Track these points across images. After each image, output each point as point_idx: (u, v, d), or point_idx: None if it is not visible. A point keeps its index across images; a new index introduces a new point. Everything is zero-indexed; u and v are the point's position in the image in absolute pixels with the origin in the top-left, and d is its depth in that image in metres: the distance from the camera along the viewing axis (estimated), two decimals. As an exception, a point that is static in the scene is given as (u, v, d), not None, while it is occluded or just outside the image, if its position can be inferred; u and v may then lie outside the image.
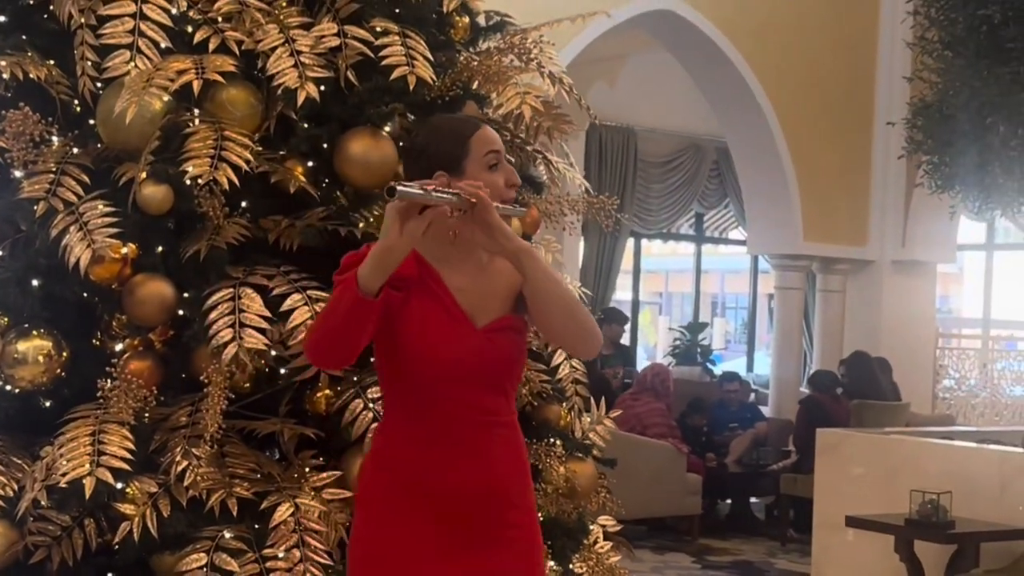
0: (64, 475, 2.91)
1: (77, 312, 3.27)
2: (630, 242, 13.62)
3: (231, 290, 3.14)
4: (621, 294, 14.03)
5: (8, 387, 3.21)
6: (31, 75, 3.33)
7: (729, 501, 9.78)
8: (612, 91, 12.94)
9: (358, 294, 2.42)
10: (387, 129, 3.42)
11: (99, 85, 3.31)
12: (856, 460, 6.47)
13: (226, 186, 3.13)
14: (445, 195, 2.40)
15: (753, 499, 9.76)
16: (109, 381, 3.07)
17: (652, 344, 18.95)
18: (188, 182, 3.16)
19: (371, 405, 3.25)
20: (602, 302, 12.57)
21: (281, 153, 3.40)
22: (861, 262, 11.31)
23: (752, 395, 11.25)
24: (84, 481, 2.89)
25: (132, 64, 3.19)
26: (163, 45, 3.32)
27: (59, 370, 3.19)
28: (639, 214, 13.38)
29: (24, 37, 3.44)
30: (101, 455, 2.94)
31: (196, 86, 3.17)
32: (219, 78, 3.21)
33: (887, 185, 11.11)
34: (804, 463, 8.32)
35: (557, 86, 3.89)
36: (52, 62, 3.43)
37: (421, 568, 2.58)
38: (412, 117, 3.58)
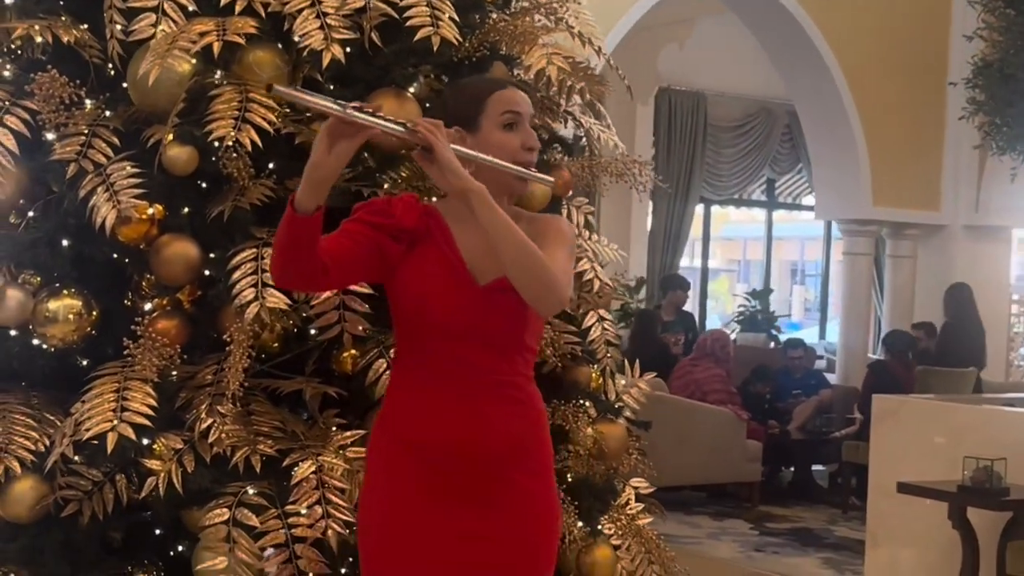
0: (88, 430, 2.97)
1: (108, 272, 3.32)
2: (700, 208, 13.52)
3: (255, 250, 3.17)
4: (698, 261, 13.96)
5: (43, 345, 3.28)
6: (63, 39, 3.38)
7: (792, 468, 9.72)
8: (682, 54, 12.84)
9: (291, 211, 2.45)
10: (412, 90, 3.43)
11: (128, 48, 3.35)
12: (913, 426, 6.39)
13: (249, 147, 3.16)
14: (358, 115, 2.38)
15: (817, 467, 9.69)
16: (134, 340, 3.12)
17: (729, 311, 18.86)
18: (214, 144, 3.20)
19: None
20: (670, 268, 12.53)
21: (307, 115, 3.42)
22: (933, 227, 11.14)
23: (819, 362, 11.16)
24: (107, 436, 2.95)
25: (158, 27, 3.22)
26: (190, 8, 3.35)
27: (89, 328, 3.25)
28: (709, 180, 13.29)
29: (60, 2, 3.49)
30: (124, 411, 2.99)
31: (216, 48, 3.20)
32: (239, 40, 3.23)
33: (960, 148, 10.90)
34: (867, 430, 8.25)
35: (587, 47, 3.86)
36: (85, 26, 3.47)
37: (412, 522, 2.61)
38: (444, 78, 3.60)
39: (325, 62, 3.31)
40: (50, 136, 3.32)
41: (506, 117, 2.63)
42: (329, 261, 2.53)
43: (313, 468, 3.12)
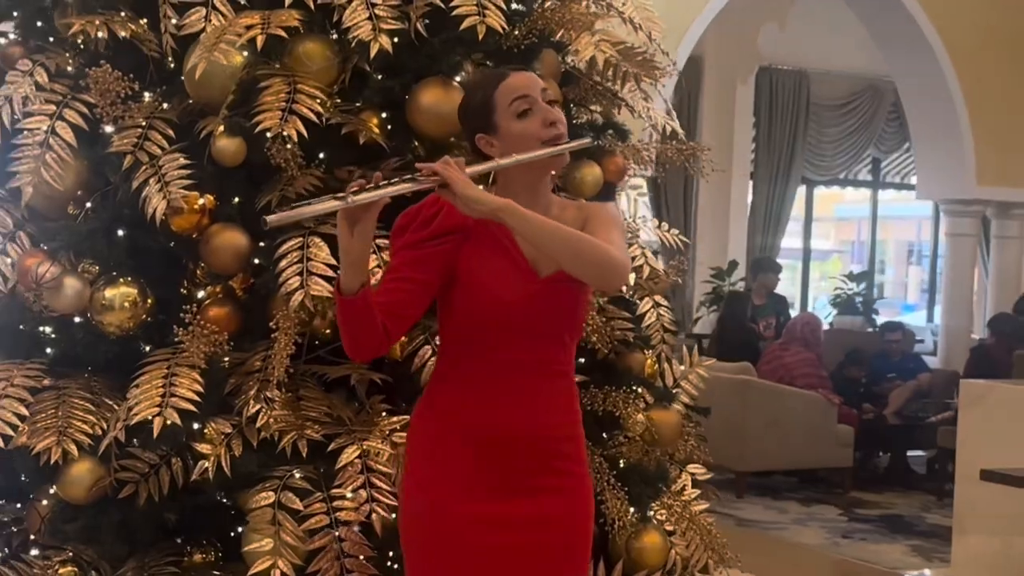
0: (136, 415, 3.06)
1: (164, 261, 3.41)
2: (802, 189, 13.33)
3: (300, 239, 3.24)
4: (816, 242, 13.74)
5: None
6: (120, 34, 3.47)
7: (887, 454, 9.56)
8: (783, 33, 12.66)
9: (339, 298, 2.51)
10: (458, 79, 3.46)
11: (183, 42, 3.43)
12: (1002, 412, 6.26)
13: (295, 138, 3.22)
14: (361, 196, 2.41)
15: (915, 452, 9.52)
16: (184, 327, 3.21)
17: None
18: (263, 134, 3.26)
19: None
20: (771, 249, 12.39)
21: (357, 105, 3.48)
22: (1040, 206, 10.87)
23: (920, 345, 10.96)
24: (154, 421, 3.04)
25: (208, 21, 3.30)
26: (241, 1, 3.43)
27: (144, 316, 3.34)
28: (811, 160, 13.09)
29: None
30: (171, 397, 3.08)
31: (260, 41, 3.26)
32: (282, 33, 3.29)
33: (1071, 123, 10.60)
34: (964, 415, 8.09)
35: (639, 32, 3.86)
36: (144, 21, 3.56)
37: (459, 510, 2.65)
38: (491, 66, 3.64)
39: (372, 52, 3.36)
40: (109, 129, 3.42)
41: (516, 105, 2.64)
42: (386, 318, 2.57)
43: (358, 453, 3.18)
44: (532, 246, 2.59)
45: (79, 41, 3.53)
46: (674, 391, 4.06)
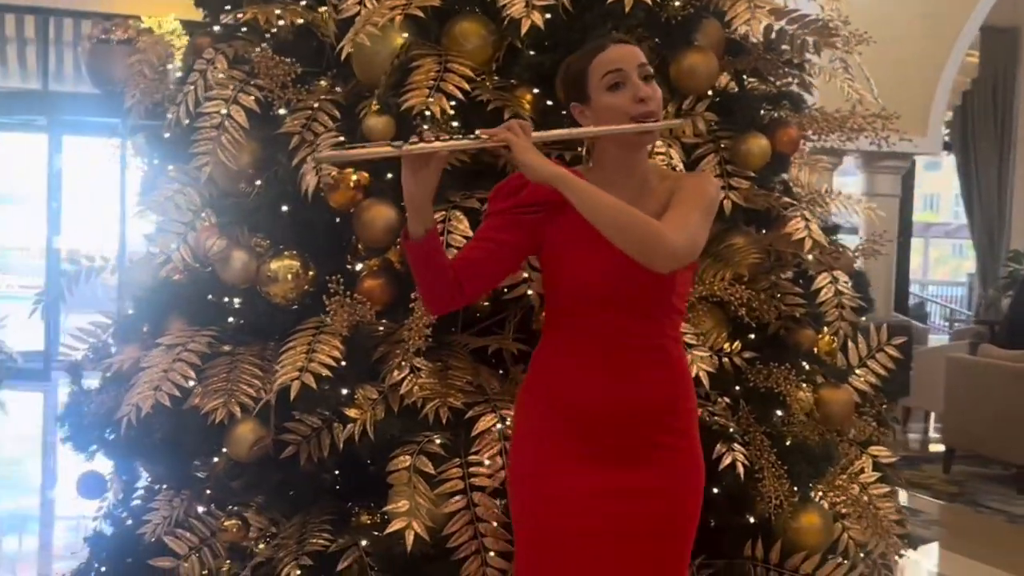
0: (278, 379, 3.25)
1: (328, 235, 3.59)
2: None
3: (444, 212, 3.34)
4: None
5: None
6: (298, 21, 3.68)
7: None
8: None
9: (405, 242, 2.61)
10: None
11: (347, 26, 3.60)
12: None
13: (438, 115, 3.33)
14: (417, 147, 2.49)
15: None
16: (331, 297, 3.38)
17: None
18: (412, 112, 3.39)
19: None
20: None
21: (512, 82, 3.55)
22: None
23: None
24: (292, 384, 3.22)
25: (361, 4, 3.45)
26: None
27: (307, 287, 3.53)
28: None
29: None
30: (311, 363, 3.25)
31: (397, 21, 3.38)
32: (419, 12, 3.39)
33: None
34: None
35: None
36: (324, 9, 3.75)
37: (562, 480, 2.69)
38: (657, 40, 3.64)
39: (524, 29, 3.42)
40: (282, 111, 3.63)
41: (608, 79, 2.65)
42: (460, 273, 2.67)
43: (495, 421, 3.26)
44: (631, 202, 2.59)
45: (264, 30, 3.76)
46: (857, 370, 3.94)
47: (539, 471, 2.75)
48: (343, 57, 3.42)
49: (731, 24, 3.59)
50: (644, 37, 3.59)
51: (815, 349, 3.83)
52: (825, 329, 3.83)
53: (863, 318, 3.96)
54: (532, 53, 3.52)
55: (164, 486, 3.84)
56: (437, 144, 2.52)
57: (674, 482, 2.73)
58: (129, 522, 3.90)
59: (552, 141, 2.71)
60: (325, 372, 3.23)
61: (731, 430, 3.48)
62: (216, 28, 3.86)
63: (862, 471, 3.82)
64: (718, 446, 3.46)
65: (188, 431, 3.45)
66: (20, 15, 11.84)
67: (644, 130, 2.64)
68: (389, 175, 3.48)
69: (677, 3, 3.58)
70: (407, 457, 3.24)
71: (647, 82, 2.67)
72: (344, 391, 3.34)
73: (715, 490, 3.48)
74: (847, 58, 4.17)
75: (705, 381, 3.42)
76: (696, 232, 2.61)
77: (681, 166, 3.45)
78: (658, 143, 3.44)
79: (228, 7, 3.85)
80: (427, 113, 3.33)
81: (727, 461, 3.43)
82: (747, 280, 3.75)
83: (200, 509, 3.66)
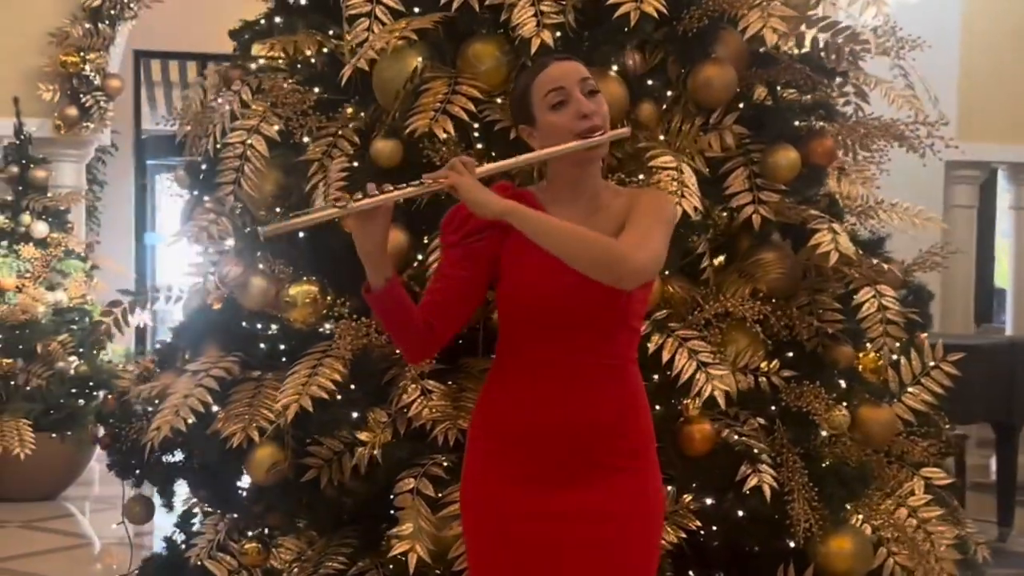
0: (278, 403, 3.28)
1: (346, 260, 3.60)
2: None
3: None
4: None
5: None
6: (324, 49, 3.73)
7: None
8: None
9: (367, 295, 2.64)
10: (615, 69, 3.43)
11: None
12: None
13: (442, 137, 3.33)
14: (361, 204, 2.52)
15: None
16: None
17: None
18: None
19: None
20: None
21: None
22: None
23: None
24: (290, 407, 3.24)
25: (370, 31, 3.48)
26: (417, 10, 3.58)
27: (325, 311, 3.56)
28: None
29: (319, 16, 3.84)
30: (310, 386, 3.27)
31: (392, 44, 3.40)
32: (399, 41, 3.40)
33: None
34: None
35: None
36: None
37: (504, 507, 2.65)
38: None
39: (534, 49, 3.40)
40: (306, 139, 3.68)
41: (550, 98, 2.61)
42: (431, 317, 2.66)
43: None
44: (583, 221, 2.58)
45: (296, 59, 3.83)
46: (908, 389, 3.78)
47: (482, 495, 2.71)
48: (344, 81, 3.45)
49: (746, 32, 3.49)
50: (661, 51, 3.53)
51: (859, 367, 3.68)
52: (868, 346, 3.68)
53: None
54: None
55: (209, 509, 3.93)
56: (381, 197, 2.53)
57: (623, 505, 2.63)
58: (182, 546, 4.00)
59: (500, 172, 2.67)
60: (323, 395, 3.25)
61: (756, 451, 3.38)
62: (252, 60, 3.93)
63: (913, 493, 3.65)
64: (743, 467, 3.36)
65: (218, 455, 3.50)
66: (164, 61, 12.32)
67: (589, 146, 2.59)
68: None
69: (690, 15, 3.50)
70: (410, 480, 3.23)
71: (591, 97, 2.62)
72: (355, 414, 3.35)
73: (740, 512, 3.39)
74: (904, 65, 4.03)
75: (721, 401, 3.32)
76: (657, 248, 2.56)
77: (692, 185, 3.35)
78: (667, 159, 3.37)
79: (255, 37, 3.92)
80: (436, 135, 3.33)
81: (752, 483, 3.33)
82: (784, 297, 3.65)
83: (250, 533, 3.71)
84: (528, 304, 2.64)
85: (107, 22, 8.49)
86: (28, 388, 7.68)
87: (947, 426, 3.91)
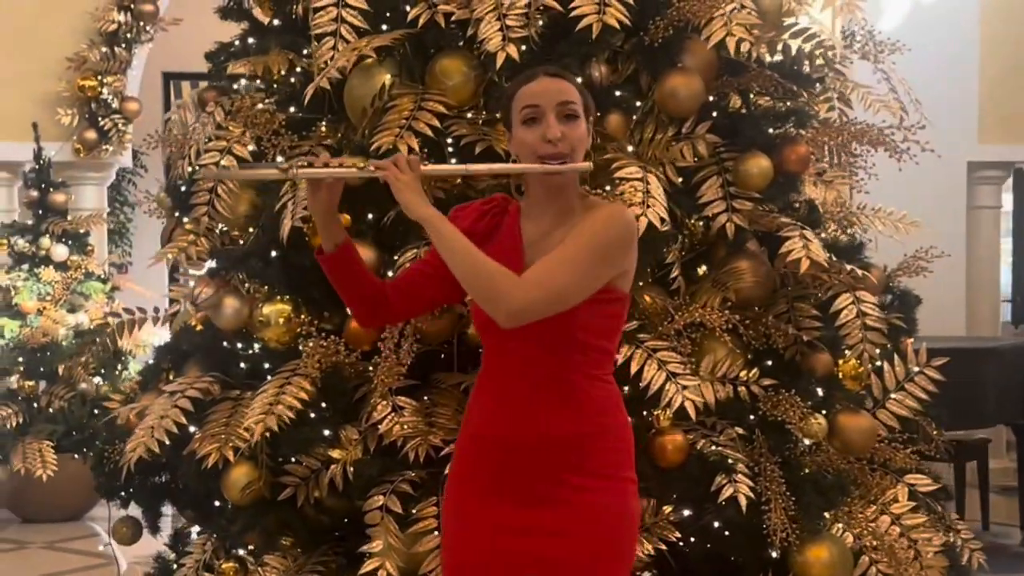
0: (245, 423, 3.30)
1: (318, 278, 3.61)
2: None
3: (416, 251, 3.34)
4: None
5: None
6: (297, 68, 3.75)
7: None
8: None
9: (318, 255, 2.66)
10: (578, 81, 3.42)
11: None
12: None
13: (405, 153, 3.33)
14: (304, 172, 2.54)
15: None
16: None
17: None
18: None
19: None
20: None
21: (497, 115, 3.52)
22: None
23: None
24: (255, 427, 3.25)
25: (335, 49, 3.49)
26: (385, 27, 3.58)
27: (299, 330, 3.57)
28: None
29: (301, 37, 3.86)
30: (277, 405, 3.28)
31: (351, 61, 3.41)
32: (372, 54, 3.41)
33: None
34: None
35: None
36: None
37: (473, 514, 2.65)
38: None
39: (499, 63, 3.40)
40: (280, 159, 3.69)
41: (525, 113, 2.60)
42: (392, 290, 2.72)
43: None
44: (548, 237, 2.60)
45: (272, 79, 3.85)
46: (892, 395, 3.74)
47: (451, 507, 2.72)
48: (307, 100, 3.47)
49: (709, 41, 3.47)
50: (632, 62, 3.53)
51: (839, 374, 3.65)
52: (848, 353, 3.64)
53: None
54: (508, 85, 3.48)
55: (199, 529, 3.95)
56: (322, 171, 2.57)
57: (580, 526, 2.58)
58: (174, 566, 4.02)
59: (444, 175, 2.68)
60: (289, 415, 3.25)
61: (730, 461, 3.35)
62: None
63: (896, 500, 3.61)
64: (718, 478, 3.34)
65: (195, 476, 3.52)
66: (194, 82, 12.41)
67: (545, 172, 2.57)
68: (369, 216, 3.51)
69: (657, 25, 3.49)
70: (379, 497, 3.24)
71: (567, 122, 2.58)
72: (327, 432, 3.35)
73: (716, 524, 3.37)
74: (887, 69, 4.00)
75: (691, 412, 3.30)
76: (562, 284, 2.49)
77: (659, 195, 3.33)
78: (632, 169, 3.35)
79: (230, 58, 3.94)
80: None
81: (727, 493, 3.31)
82: (759, 305, 3.62)
83: (238, 552, 3.73)
84: (479, 322, 2.65)
85: (124, 45, 8.56)
86: (50, 410, 7.76)
87: (935, 431, 3.86)
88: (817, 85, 3.84)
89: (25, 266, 8.08)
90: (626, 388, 3.33)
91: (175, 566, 4.01)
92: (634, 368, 3.31)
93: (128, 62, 8.60)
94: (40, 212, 8.20)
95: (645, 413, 3.37)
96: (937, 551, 3.56)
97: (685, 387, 3.30)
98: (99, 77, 8.48)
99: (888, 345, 3.78)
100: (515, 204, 2.74)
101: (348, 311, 3.30)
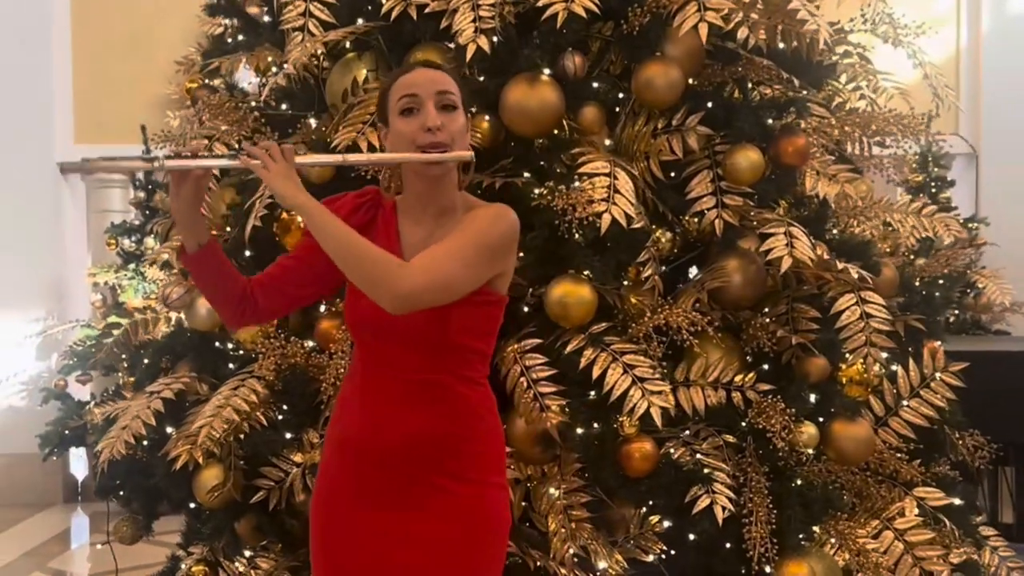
0: (195, 425, 3.24)
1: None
2: None
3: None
4: None
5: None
6: (284, 64, 3.69)
7: None
8: None
9: (182, 256, 2.53)
10: (547, 72, 3.27)
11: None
12: None
13: (365, 150, 3.23)
14: (172, 163, 2.38)
15: None
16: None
17: None
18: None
19: (525, 369, 3.17)
20: None
21: (472, 111, 3.40)
22: None
23: None
24: (202, 430, 3.19)
25: (302, 44, 3.41)
26: (360, 21, 3.50)
27: (272, 331, 3.50)
28: None
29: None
30: (225, 408, 3.21)
31: (314, 52, 3.34)
32: (348, 44, 3.32)
33: None
34: None
35: None
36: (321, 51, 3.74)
37: (341, 520, 2.56)
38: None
39: (469, 55, 3.28)
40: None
41: (402, 103, 2.49)
42: (259, 292, 2.59)
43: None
44: (426, 237, 2.50)
45: (264, 78, 3.81)
46: (905, 402, 3.48)
47: (319, 509, 2.61)
48: (265, 94, 3.41)
49: (682, 28, 3.27)
50: (610, 52, 3.36)
51: (841, 379, 3.41)
52: (850, 356, 3.40)
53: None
54: (481, 79, 3.36)
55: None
56: (190, 162, 2.44)
57: (449, 530, 2.48)
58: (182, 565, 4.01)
59: (320, 166, 2.56)
60: (233, 416, 3.19)
61: (707, 471, 3.16)
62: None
63: (902, 515, 3.35)
64: (693, 489, 3.16)
65: (167, 476, 3.50)
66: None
67: (425, 160, 2.45)
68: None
69: (636, 13, 3.31)
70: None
71: (446, 112, 2.48)
72: (288, 435, 3.29)
73: (691, 536, 3.19)
74: (911, 52, 3.74)
75: (657, 419, 3.11)
76: (448, 273, 2.37)
77: (627, 191, 3.16)
78: (599, 164, 3.18)
79: (222, 55, 3.91)
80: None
81: (703, 504, 3.12)
82: (748, 307, 3.42)
83: (247, 553, 3.70)
84: (351, 319, 2.55)
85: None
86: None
87: (959, 441, 3.58)
88: (842, 77, 3.60)
89: (131, 265, 8.26)
90: (591, 393, 3.18)
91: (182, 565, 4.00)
92: (596, 372, 3.14)
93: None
94: (147, 212, 8.37)
95: (610, 419, 3.19)
96: (947, 569, 3.30)
97: (652, 392, 3.11)
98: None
99: (904, 349, 3.52)
100: (390, 201, 2.62)
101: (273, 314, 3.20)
